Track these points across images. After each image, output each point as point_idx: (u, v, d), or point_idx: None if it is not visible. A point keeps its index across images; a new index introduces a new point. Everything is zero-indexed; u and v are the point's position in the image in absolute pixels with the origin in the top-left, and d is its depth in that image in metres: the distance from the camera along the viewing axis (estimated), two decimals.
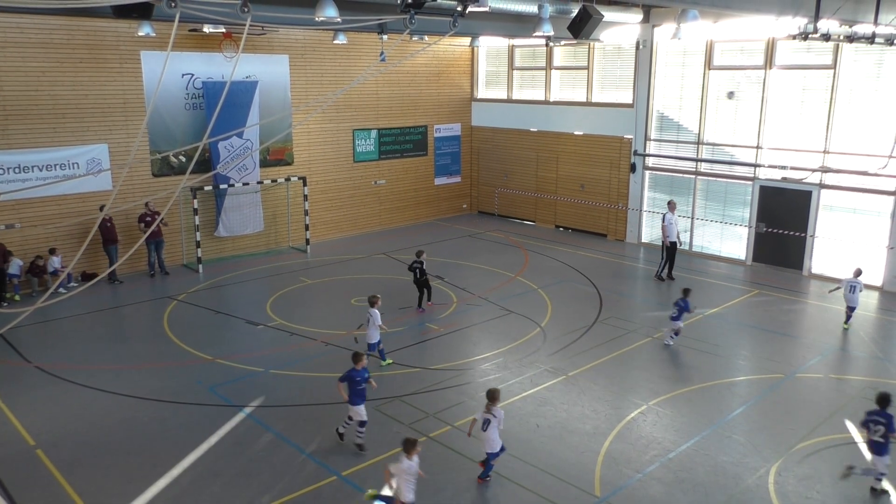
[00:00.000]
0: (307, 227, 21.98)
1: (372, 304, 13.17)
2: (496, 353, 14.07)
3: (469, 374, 13.13)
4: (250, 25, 8.40)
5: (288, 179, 21.65)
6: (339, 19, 12.63)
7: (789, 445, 10.60)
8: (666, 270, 19.06)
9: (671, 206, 19.16)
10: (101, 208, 17.57)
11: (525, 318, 15.95)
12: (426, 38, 21.64)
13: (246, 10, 8.02)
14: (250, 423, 11.29)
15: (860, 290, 15.32)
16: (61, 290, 16.79)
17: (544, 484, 9.62)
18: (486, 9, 13.03)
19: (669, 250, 18.95)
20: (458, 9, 11.65)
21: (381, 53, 18.93)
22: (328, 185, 23.47)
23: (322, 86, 22.34)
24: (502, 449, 9.70)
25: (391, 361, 13.66)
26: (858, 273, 15.50)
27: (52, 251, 17.70)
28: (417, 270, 16.31)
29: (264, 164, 21.55)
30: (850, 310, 15.44)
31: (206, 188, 20.13)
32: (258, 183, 21.08)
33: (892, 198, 17.67)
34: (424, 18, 14.81)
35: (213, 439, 10.75)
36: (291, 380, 12.91)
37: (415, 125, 25.59)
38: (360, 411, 10.43)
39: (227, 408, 11.77)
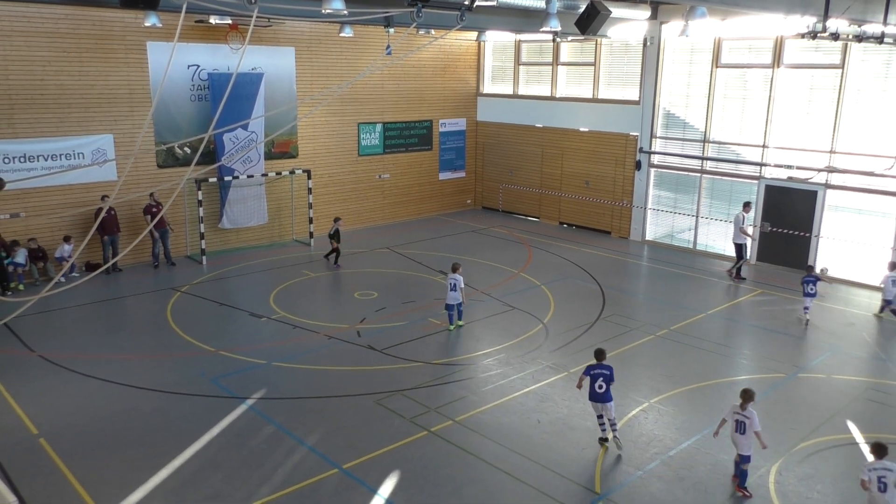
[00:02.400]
0: (311, 221, 21.99)
1: (454, 270, 14.69)
2: (498, 348, 14.07)
3: (471, 369, 13.14)
4: (257, 17, 8.39)
5: (292, 172, 21.65)
6: (345, 12, 12.61)
7: (790, 445, 10.59)
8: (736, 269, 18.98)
9: (746, 207, 18.86)
10: (103, 198, 17.60)
11: (528, 314, 15.94)
12: (433, 32, 21.57)
13: (252, 1, 8.02)
14: (252, 415, 11.31)
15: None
16: (62, 279, 16.82)
17: (545, 479, 9.63)
18: (494, 3, 12.99)
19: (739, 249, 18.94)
20: (466, 3, 11.64)
21: (388, 47, 18.91)
22: (332, 178, 23.46)
23: (327, 79, 22.32)
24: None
25: (461, 324, 14.98)
26: (894, 266, 15.87)
27: (67, 238, 17.75)
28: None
29: (269, 156, 21.55)
30: (887, 303, 15.84)
31: (211, 180, 20.14)
32: (262, 175, 21.08)
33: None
34: (431, 12, 14.84)
35: (215, 430, 10.78)
36: (293, 373, 12.93)
37: (420, 119, 25.55)
38: (606, 408, 10.34)
39: (229, 399, 11.80)
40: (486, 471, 9.84)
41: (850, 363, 13.68)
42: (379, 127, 24.40)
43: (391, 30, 18.81)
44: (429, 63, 25.27)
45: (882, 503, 8.08)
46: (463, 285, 14.72)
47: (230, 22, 18.93)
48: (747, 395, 9.42)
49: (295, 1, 14.25)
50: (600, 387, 10.19)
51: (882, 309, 16.11)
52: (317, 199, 22.52)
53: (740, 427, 9.31)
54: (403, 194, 25.67)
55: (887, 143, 17.62)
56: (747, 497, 9.32)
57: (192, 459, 10.01)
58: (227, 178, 20.35)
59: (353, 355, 13.69)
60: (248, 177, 20.71)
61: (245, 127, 20.35)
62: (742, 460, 9.40)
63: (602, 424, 10.46)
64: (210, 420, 11.08)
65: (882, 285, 16.05)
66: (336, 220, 19.82)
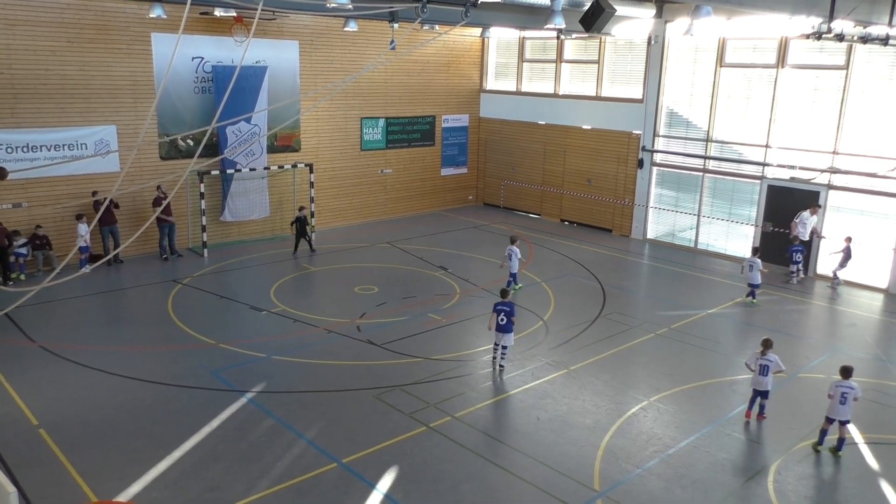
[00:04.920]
0: (313, 215, 21.97)
1: (513, 241, 16.81)
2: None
3: (470, 365, 13.15)
4: (261, 10, 8.37)
5: (295, 166, 21.64)
6: (350, 6, 12.61)
7: (790, 445, 10.60)
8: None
9: (813, 208, 18.72)
10: (94, 193, 17.55)
11: (528, 310, 15.94)
12: (437, 27, 21.53)
13: None
14: (252, 408, 11.33)
15: (759, 269, 16.65)
16: (85, 268, 16.82)
17: (543, 477, 9.64)
18: (499, 0, 12.95)
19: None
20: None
21: (392, 42, 18.87)
22: (335, 172, 23.45)
23: (331, 73, 22.29)
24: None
25: (521, 286, 16.98)
26: (756, 251, 17.17)
27: (80, 217, 17.78)
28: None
29: (272, 149, 21.53)
30: (751, 286, 16.79)
31: (213, 172, 20.13)
32: (265, 169, 21.07)
33: None
34: (436, 8, 14.82)
35: (215, 423, 10.79)
36: (293, 366, 12.95)
37: (423, 115, 25.53)
38: (496, 336, 12.67)
39: (228, 392, 11.81)
40: (485, 467, 9.86)
41: (850, 364, 13.64)
42: (382, 122, 24.38)
43: (395, 25, 18.76)
44: (432, 59, 25.23)
45: (841, 413, 10.19)
46: (520, 256, 16.71)
47: (235, 14, 18.90)
48: (767, 343, 11.15)
49: None
50: (502, 319, 12.47)
51: (749, 294, 16.88)
52: (319, 193, 22.50)
53: (764, 370, 11.03)
54: (405, 189, 25.66)
55: (890, 145, 17.59)
56: (760, 418, 11.24)
57: (191, 451, 10.03)
58: (229, 171, 20.34)
59: (352, 350, 13.70)
60: (251, 170, 20.70)
61: (248, 120, 20.33)
62: (762, 396, 11.12)
63: (496, 350, 12.77)
64: (210, 412, 11.10)
65: (745, 271, 16.86)
66: (300, 209, 20.13)
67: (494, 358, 12.98)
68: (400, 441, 10.43)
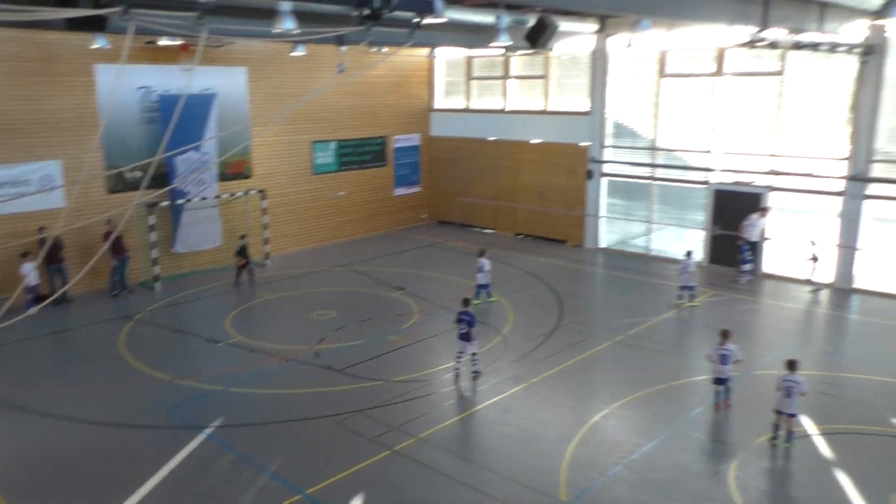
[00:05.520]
0: (266, 241, 21.77)
1: (481, 254, 17.28)
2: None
3: (432, 384, 13.12)
4: (207, 38, 8.34)
5: (246, 193, 21.42)
6: (296, 31, 12.61)
7: (748, 441, 10.83)
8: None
9: (760, 211, 19.26)
10: (40, 230, 17.10)
11: (487, 325, 16.00)
12: (385, 49, 21.67)
13: (202, 22, 7.96)
14: (211, 444, 11.08)
15: (693, 269, 17.15)
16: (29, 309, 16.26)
17: (511, 492, 9.65)
18: (444, 20, 13.11)
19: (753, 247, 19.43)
20: (415, 20, 11.73)
21: (340, 65, 18.91)
22: (287, 197, 23.28)
23: (281, 98, 22.18)
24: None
25: (494, 299, 17.34)
26: (689, 254, 17.41)
27: (25, 255, 16.93)
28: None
29: (223, 177, 21.27)
30: (683, 289, 17.19)
31: (163, 204, 19.79)
32: (216, 197, 20.80)
33: (840, 198, 18.22)
34: (382, 30, 14.91)
35: (173, 463, 10.51)
36: (252, 398, 12.73)
37: (374, 136, 25.56)
38: (458, 345, 13.07)
39: (186, 430, 11.53)
40: (452, 487, 9.82)
41: (800, 359, 14.02)
42: (333, 145, 24.34)
43: (343, 48, 18.85)
44: (382, 80, 25.34)
45: (788, 406, 10.52)
46: (488, 269, 17.27)
47: (181, 43, 18.72)
48: (726, 334, 11.85)
49: (246, 21, 14.20)
50: (463, 329, 12.89)
51: (680, 297, 17.28)
52: (272, 219, 22.29)
53: (723, 359, 11.66)
54: (359, 211, 25.60)
55: (826, 146, 18.25)
56: (726, 405, 11.86)
57: (150, 495, 9.73)
58: (179, 202, 20.02)
59: (312, 377, 13.55)
60: (202, 199, 20.41)
61: (198, 149, 20.08)
62: (723, 383, 11.76)
63: (458, 358, 13.15)
64: (168, 452, 10.80)
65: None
66: (242, 236, 19.76)
67: (457, 369, 13.22)
68: (365, 467, 10.33)
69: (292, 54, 21.05)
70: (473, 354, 13.21)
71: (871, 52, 16.96)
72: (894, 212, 17.83)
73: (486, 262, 17.27)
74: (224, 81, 20.89)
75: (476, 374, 13.23)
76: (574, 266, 21.49)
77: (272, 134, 22.43)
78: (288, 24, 12.20)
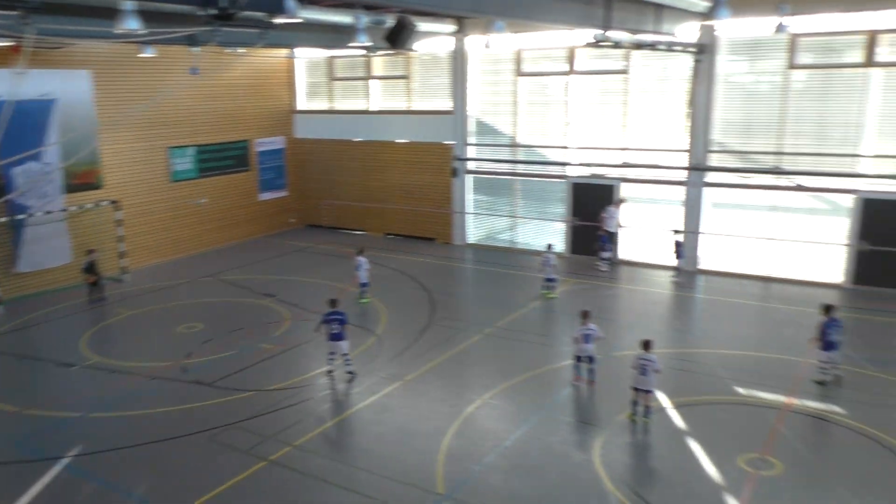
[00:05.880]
0: (123, 255, 20.57)
1: (360, 252, 17.62)
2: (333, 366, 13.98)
3: (307, 390, 12.95)
4: (43, 38, 7.78)
5: (97, 204, 20.12)
6: (142, 31, 11.97)
7: (610, 419, 11.49)
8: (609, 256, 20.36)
9: (618, 203, 20.26)
10: None
11: (361, 327, 15.97)
12: (240, 49, 21.03)
13: (27, 21, 7.42)
14: (69, 475, 10.35)
15: (552, 264, 17.77)
16: None
17: (390, 490, 9.72)
18: (298, 20, 12.93)
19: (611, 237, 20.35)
20: (267, 20, 11.51)
21: (193, 66, 18.16)
22: (144, 207, 22.09)
23: (132, 102, 20.96)
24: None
25: (369, 300, 17.51)
26: (550, 248, 18.21)
27: None
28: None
29: (70, 189, 19.83)
30: (547, 281, 17.84)
31: (1, 219, 18.20)
32: (62, 210, 19.40)
33: (680, 187, 19.67)
34: (233, 31, 14.49)
35: (24, 499, 9.73)
36: (114, 421, 12.02)
37: (235, 140, 24.77)
38: (331, 346, 13.09)
39: (39, 462, 10.69)
40: (330, 492, 9.76)
41: (655, 339, 15.03)
42: (192, 150, 23.34)
43: (195, 49, 18.09)
44: (240, 82, 24.59)
45: (643, 382, 11.20)
46: (367, 267, 17.71)
47: (12, 44, 17.25)
48: (586, 314, 12.75)
49: (83, 20, 13.32)
50: (335, 328, 12.97)
51: (546, 288, 17.87)
52: (129, 230, 21.10)
53: (586, 339, 12.44)
54: (224, 218, 24.73)
55: (669, 139, 19.64)
56: (591, 383, 12.68)
57: None
58: (19, 217, 18.49)
59: (180, 393, 12.98)
60: (46, 213, 18.96)
61: (38, 158, 18.60)
62: (589, 361, 12.58)
63: (331, 360, 13.22)
64: (17, 489, 9.96)
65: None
66: (90, 251, 18.80)
67: (331, 371, 13.33)
68: (240, 481, 10.05)
69: (141, 56, 19.99)
70: (345, 355, 13.26)
71: (703, 50, 18.42)
72: (731, 198, 19.45)
73: (363, 261, 17.58)
74: (66, 86, 19.44)
75: (351, 375, 13.24)
76: (444, 263, 21.87)
77: (125, 141, 21.20)
78: (131, 24, 11.53)
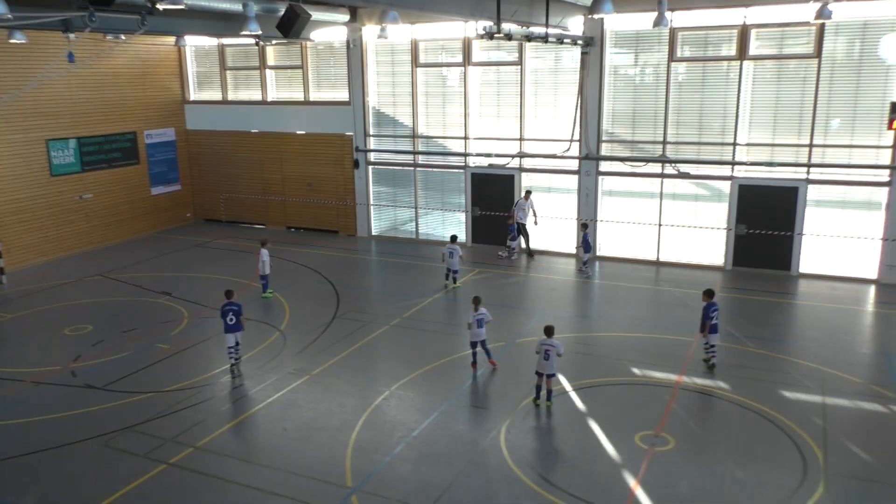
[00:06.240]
0: None
1: (263, 244, 17.54)
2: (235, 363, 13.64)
3: (208, 389, 12.57)
4: None
5: None
6: (9, 16, 11.15)
7: (515, 404, 11.80)
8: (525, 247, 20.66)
9: (526, 194, 20.34)
10: None
11: (263, 323, 15.65)
12: (122, 36, 19.97)
13: None
14: None
15: (459, 255, 17.82)
16: None
17: (296, 486, 9.61)
18: (182, 6, 12.41)
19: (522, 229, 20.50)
20: (148, 5, 11.02)
21: (69, 54, 17.09)
22: (21, 203, 20.67)
23: (1, 91, 19.55)
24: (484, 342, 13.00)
25: (271, 295, 17.37)
26: (454, 238, 18.28)
27: None
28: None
29: None
30: (451, 272, 17.93)
31: None
32: None
33: (576, 177, 20.35)
34: (111, 16, 13.74)
35: None
36: None
37: (121, 132, 23.54)
38: (228, 338, 13.08)
39: None
40: (235, 492, 9.54)
41: (556, 324, 15.56)
42: (73, 142, 22.01)
43: (72, 35, 16.99)
44: (125, 70, 23.37)
45: (545, 367, 11.50)
46: (266, 259, 17.39)
47: None
48: (477, 300, 13.07)
49: None
50: (231, 319, 13.00)
51: (448, 277, 18.01)
52: (5, 228, 19.72)
53: (479, 323, 12.82)
54: (112, 214, 23.50)
55: (563, 129, 20.25)
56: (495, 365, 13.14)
57: None
58: None
59: (69, 398, 12.30)
60: None
61: None
62: (482, 345, 12.99)
63: (231, 353, 13.19)
64: None
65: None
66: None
67: (234, 365, 13.33)
68: (138, 485, 9.66)
69: (11, 41, 18.63)
70: (236, 346, 13.24)
71: (590, 43, 19.07)
72: (621, 186, 20.28)
73: (265, 253, 17.37)
74: None
75: (237, 371, 13.28)
76: (347, 255, 21.70)
77: None
78: None
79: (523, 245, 20.78)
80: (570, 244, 20.68)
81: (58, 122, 21.46)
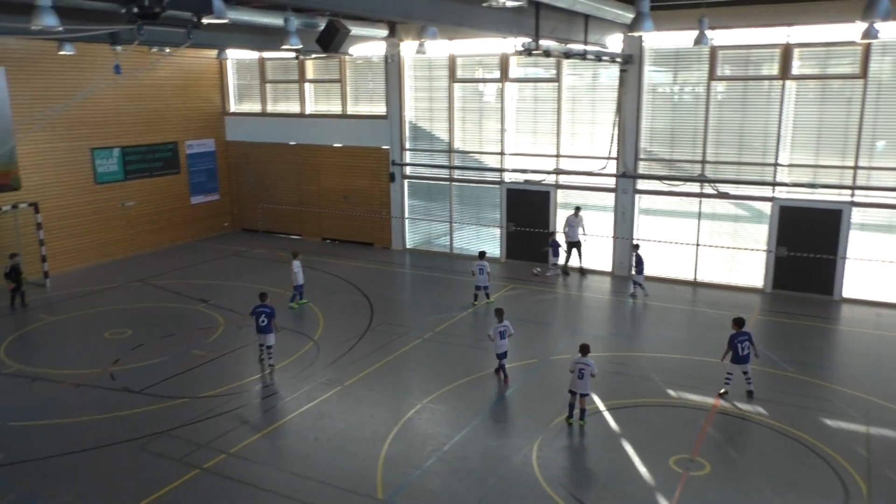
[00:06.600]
0: (44, 259, 19.68)
1: (295, 256, 17.66)
2: (269, 372, 13.75)
3: (242, 397, 12.69)
4: None
5: (15, 206, 19.20)
6: (60, 28, 11.48)
7: (548, 422, 11.68)
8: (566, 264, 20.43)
9: (575, 211, 20.15)
10: None
11: (298, 333, 15.78)
12: (167, 49, 20.45)
13: None
14: None
15: (487, 271, 17.65)
16: None
17: (328, 496, 9.62)
18: (226, 21, 12.66)
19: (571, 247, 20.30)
20: (194, 20, 11.24)
21: (116, 65, 17.53)
22: (67, 210, 21.21)
23: (50, 101, 20.11)
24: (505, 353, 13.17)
25: (305, 301, 17.70)
26: (483, 255, 18.08)
27: None
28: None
29: None
30: (478, 289, 17.73)
31: None
32: None
33: (612, 194, 20.20)
34: (158, 29, 14.09)
35: None
36: (36, 431, 11.49)
37: (163, 142, 24.06)
38: (260, 338, 13.71)
39: None
40: (267, 499, 9.60)
41: (590, 343, 15.41)
42: (117, 152, 22.55)
43: (118, 47, 17.47)
44: (168, 82, 23.92)
45: (580, 386, 11.40)
46: (297, 270, 17.49)
47: None
48: (499, 313, 13.46)
49: None
50: (263, 321, 13.55)
51: (476, 297, 17.78)
52: (51, 234, 20.23)
53: (501, 335, 13.02)
54: (153, 222, 23.98)
55: (600, 146, 20.14)
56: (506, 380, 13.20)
57: None
58: None
59: (107, 401, 12.52)
60: None
61: None
62: (503, 357, 13.13)
63: (262, 351, 13.86)
64: None
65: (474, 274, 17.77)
66: (12, 255, 17.97)
67: (262, 359, 13.95)
68: (171, 490, 9.77)
69: (60, 53, 19.21)
70: (269, 348, 13.70)
71: (629, 60, 18.99)
72: (658, 205, 20.07)
73: (297, 264, 17.50)
74: None
75: (271, 368, 13.77)
76: (382, 268, 21.80)
77: (44, 141, 20.31)
78: (49, 21, 11.01)
79: (560, 261, 20.55)
80: (605, 262, 20.48)
81: (102, 131, 22.02)
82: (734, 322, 12.65)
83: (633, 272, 18.42)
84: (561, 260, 20.46)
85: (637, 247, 18.71)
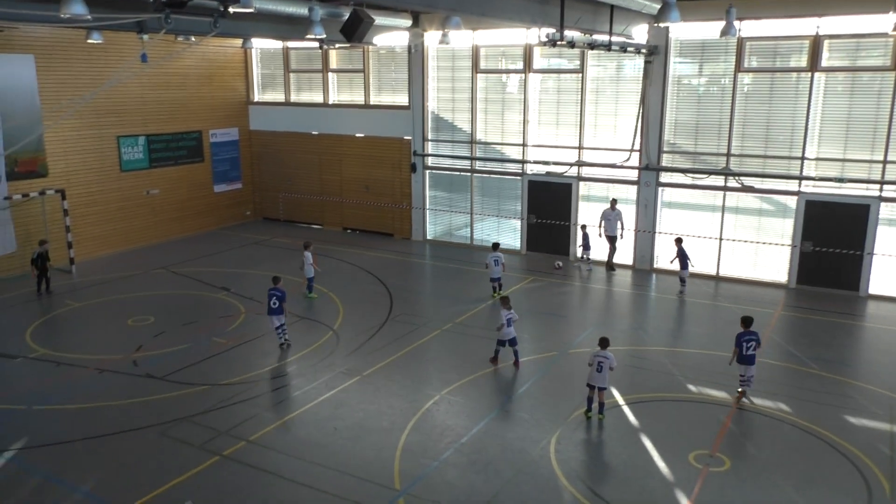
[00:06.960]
0: (70, 245, 19.97)
1: (306, 247, 17.67)
2: (289, 360, 13.86)
3: (262, 385, 12.80)
4: None
5: (43, 193, 19.49)
6: (88, 17, 11.59)
7: (566, 415, 11.64)
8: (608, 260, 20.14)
9: (612, 204, 19.70)
10: None
11: (317, 322, 15.87)
12: (193, 38, 20.57)
13: None
14: (13, 467, 10.07)
15: (502, 262, 17.54)
16: None
17: (346, 486, 9.68)
18: (252, 10, 12.70)
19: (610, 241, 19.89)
20: (220, 9, 11.29)
21: (143, 54, 17.67)
22: (93, 197, 21.49)
23: (77, 88, 20.33)
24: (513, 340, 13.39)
25: (315, 296, 17.54)
26: (496, 246, 17.92)
27: None
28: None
29: (12, 176, 19.18)
30: (494, 280, 17.64)
31: None
32: (6, 199, 18.74)
33: (635, 187, 20.01)
34: (185, 18, 14.17)
35: None
36: (60, 414, 11.70)
37: (188, 130, 24.25)
38: (271, 320, 14.12)
39: None
40: (285, 487, 9.68)
41: (610, 336, 15.32)
42: (142, 140, 22.77)
43: (145, 36, 17.60)
44: (193, 71, 24.08)
45: (599, 380, 11.33)
46: (311, 262, 17.59)
47: None
48: (506, 301, 13.61)
49: (24, 3, 12.86)
50: (274, 303, 13.86)
51: (495, 289, 17.64)
52: (77, 220, 20.51)
53: (509, 322, 13.24)
54: (177, 210, 24.22)
55: (623, 138, 19.96)
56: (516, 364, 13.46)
57: None
58: None
59: (130, 387, 12.70)
60: None
61: None
62: (512, 343, 13.36)
63: (279, 331, 14.23)
64: None
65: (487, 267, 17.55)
66: (41, 242, 18.13)
67: (281, 344, 14.44)
68: (191, 476, 9.89)
69: (89, 41, 19.40)
70: (278, 327, 14.18)
71: (654, 52, 18.76)
72: (681, 197, 19.85)
73: (308, 255, 17.54)
74: (7, 71, 18.79)
75: (287, 344, 14.32)
76: (402, 258, 21.83)
77: (71, 129, 20.56)
78: (78, 9, 11.11)
79: (579, 254, 20.39)
80: (626, 256, 20.31)
81: (129, 119, 22.25)
82: (742, 321, 12.26)
83: (678, 268, 17.93)
84: (590, 254, 20.10)
85: (680, 240, 18.06)
